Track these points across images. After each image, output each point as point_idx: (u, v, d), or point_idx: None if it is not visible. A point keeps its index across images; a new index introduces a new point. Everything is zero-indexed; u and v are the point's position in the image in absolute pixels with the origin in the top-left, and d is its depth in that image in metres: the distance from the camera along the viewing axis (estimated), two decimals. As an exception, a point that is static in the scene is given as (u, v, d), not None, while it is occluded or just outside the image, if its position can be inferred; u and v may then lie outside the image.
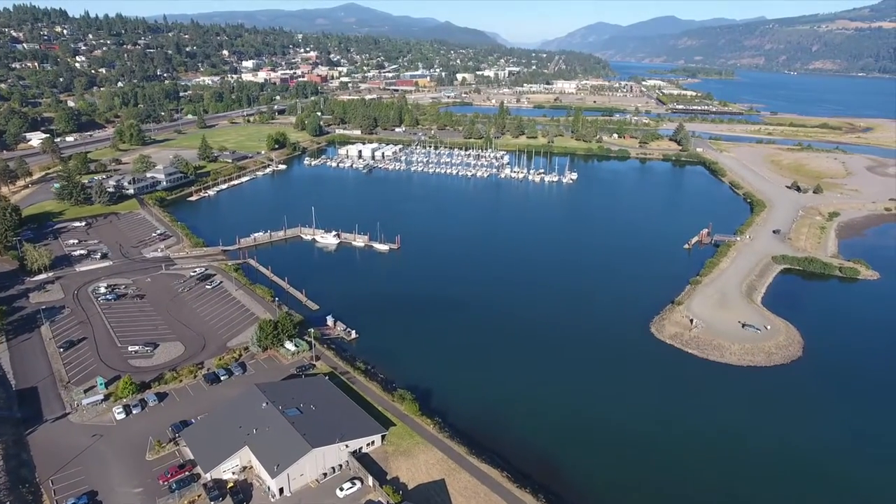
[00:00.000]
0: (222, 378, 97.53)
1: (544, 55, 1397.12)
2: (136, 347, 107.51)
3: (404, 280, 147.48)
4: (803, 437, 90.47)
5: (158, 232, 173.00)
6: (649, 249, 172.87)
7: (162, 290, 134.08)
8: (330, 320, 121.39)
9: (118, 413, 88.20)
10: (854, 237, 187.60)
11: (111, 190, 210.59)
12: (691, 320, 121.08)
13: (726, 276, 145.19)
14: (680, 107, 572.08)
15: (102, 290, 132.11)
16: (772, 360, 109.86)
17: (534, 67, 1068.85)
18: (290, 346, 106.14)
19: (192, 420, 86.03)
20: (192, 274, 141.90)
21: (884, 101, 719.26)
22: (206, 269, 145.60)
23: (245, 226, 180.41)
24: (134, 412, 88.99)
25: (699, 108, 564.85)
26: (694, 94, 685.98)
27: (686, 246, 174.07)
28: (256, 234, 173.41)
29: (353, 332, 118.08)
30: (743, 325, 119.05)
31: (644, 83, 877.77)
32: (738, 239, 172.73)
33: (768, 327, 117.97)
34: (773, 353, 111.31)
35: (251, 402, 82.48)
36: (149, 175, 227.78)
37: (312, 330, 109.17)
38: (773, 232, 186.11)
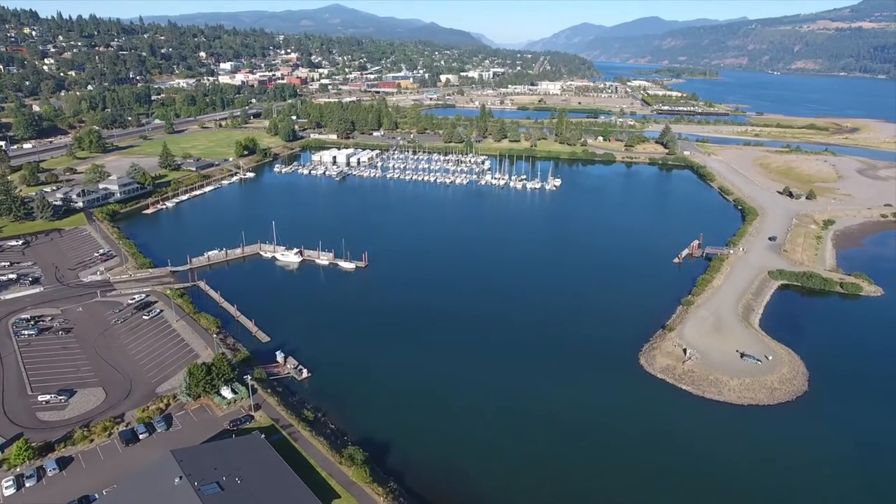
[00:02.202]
0: (141, 436, 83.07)
1: (529, 56, 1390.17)
2: (48, 397, 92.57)
3: (369, 304, 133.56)
4: (817, 492, 78.41)
5: (101, 251, 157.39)
6: (637, 264, 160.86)
7: (93, 321, 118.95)
8: (280, 356, 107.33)
9: (7, 487, 73.47)
10: (852, 247, 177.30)
11: (58, 203, 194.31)
12: (685, 350, 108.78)
13: (721, 296, 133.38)
14: (665, 108, 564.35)
15: (24, 322, 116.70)
16: (775, 397, 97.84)
17: (518, 68, 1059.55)
18: (226, 392, 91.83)
19: (96, 496, 71.65)
20: (130, 302, 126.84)
21: (867, 101, 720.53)
22: (147, 296, 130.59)
23: (202, 241, 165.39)
24: (28, 484, 74.31)
25: (685, 108, 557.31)
26: (679, 94, 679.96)
27: (676, 260, 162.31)
28: (211, 253, 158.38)
29: (305, 370, 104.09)
30: (742, 356, 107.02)
31: (629, 84, 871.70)
32: (731, 252, 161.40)
33: (769, 357, 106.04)
34: (776, 388, 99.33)
35: (163, 476, 68.30)
36: (101, 186, 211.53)
37: (248, 377, 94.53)
38: (769, 239, 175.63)
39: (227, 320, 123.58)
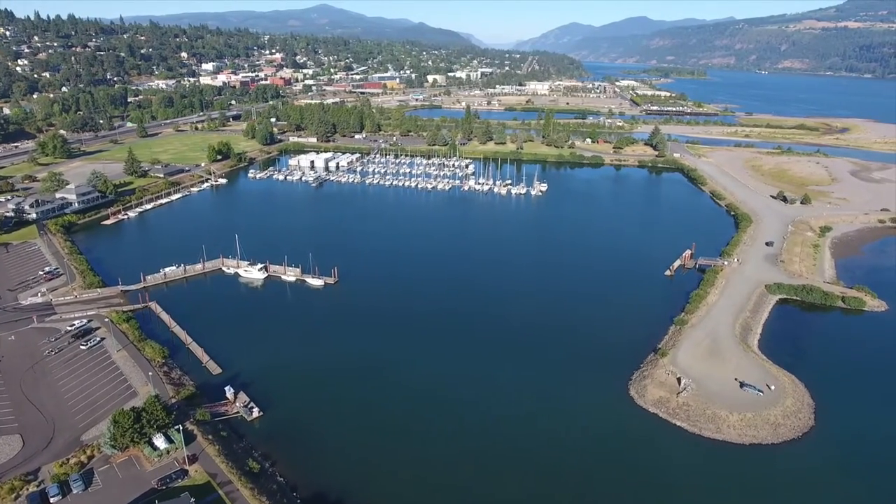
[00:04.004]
0: (53, 499, 71.24)
1: (518, 56, 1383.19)
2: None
3: (335, 327, 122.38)
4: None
5: (47, 269, 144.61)
6: (626, 277, 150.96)
7: (24, 352, 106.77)
8: (229, 392, 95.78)
9: None
10: (851, 255, 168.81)
11: (9, 214, 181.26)
12: (679, 379, 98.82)
13: (716, 314, 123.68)
14: (654, 108, 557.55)
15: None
16: (779, 434, 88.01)
17: (507, 68, 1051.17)
18: (159, 441, 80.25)
19: (-16, 581, 60.22)
20: (69, 328, 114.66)
21: (854, 101, 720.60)
22: (90, 321, 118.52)
23: (162, 255, 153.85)
24: None
25: (674, 109, 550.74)
26: (668, 94, 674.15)
27: (668, 272, 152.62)
28: (168, 269, 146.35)
29: (256, 408, 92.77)
30: (741, 385, 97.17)
31: (617, 84, 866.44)
32: (726, 263, 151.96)
33: (772, 387, 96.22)
34: (780, 423, 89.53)
35: (61, 560, 56.90)
36: (58, 196, 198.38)
37: (181, 427, 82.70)
38: (766, 244, 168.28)
39: (177, 348, 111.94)
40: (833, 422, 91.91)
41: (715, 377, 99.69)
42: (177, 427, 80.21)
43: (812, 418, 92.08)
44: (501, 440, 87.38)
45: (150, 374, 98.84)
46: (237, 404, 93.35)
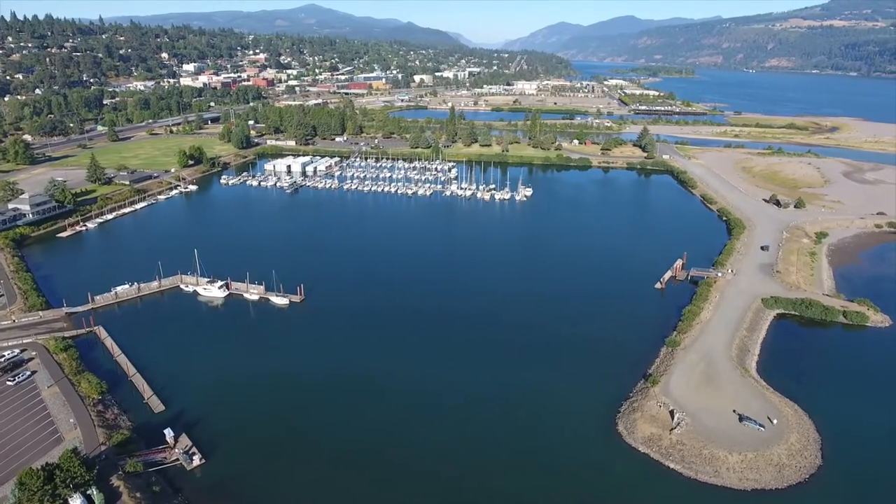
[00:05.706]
0: (-62, 583, 60.69)
1: (506, 55, 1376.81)
2: None
3: (298, 352, 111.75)
4: None
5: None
6: (614, 290, 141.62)
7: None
8: (169, 435, 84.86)
9: None
10: (848, 264, 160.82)
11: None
12: (671, 412, 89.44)
13: (710, 333, 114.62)
14: (643, 108, 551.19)
15: None
16: (784, 477, 78.79)
17: (495, 68, 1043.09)
18: (76, 503, 69.46)
19: None
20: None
21: (842, 99, 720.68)
22: (24, 350, 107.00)
23: (118, 272, 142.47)
24: None
25: (662, 108, 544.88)
26: (657, 93, 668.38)
27: (658, 285, 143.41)
28: (120, 288, 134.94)
29: (198, 455, 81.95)
30: (741, 419, 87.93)
31: (606, 83, 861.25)
32: (720, 274, 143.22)
33: (774, 421, 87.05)
34: (784, 464, 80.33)
35: None
36: (10, 206, 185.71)
37: (95, 490, 71.69)
38: (762, 248, 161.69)
39: (119, 380, 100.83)
40: (842, 459, 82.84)
41: (711, 409, 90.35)
42: (96, 486, 69.25)
43: (819, 456, 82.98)
44: (476, 484, 77.38)
45: (80, 415, 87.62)
46: (177, 450, 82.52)
